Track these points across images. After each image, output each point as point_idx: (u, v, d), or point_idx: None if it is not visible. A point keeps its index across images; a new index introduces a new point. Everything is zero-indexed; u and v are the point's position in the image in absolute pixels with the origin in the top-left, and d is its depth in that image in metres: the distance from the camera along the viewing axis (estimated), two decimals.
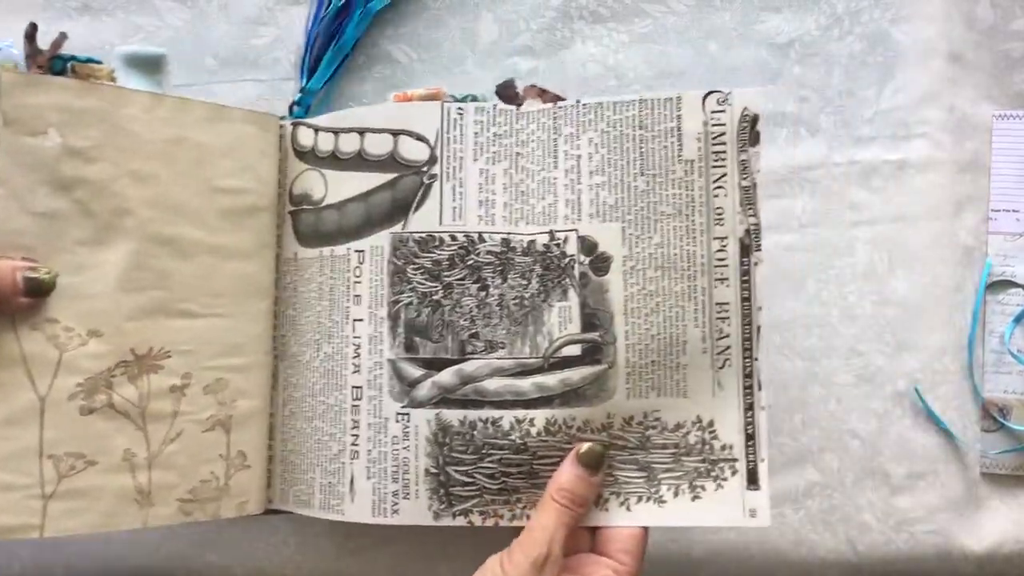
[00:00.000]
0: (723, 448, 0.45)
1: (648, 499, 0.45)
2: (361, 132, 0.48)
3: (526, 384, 0.46)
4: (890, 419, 0.54)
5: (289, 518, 0.50)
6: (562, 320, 0.46)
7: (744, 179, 0.45)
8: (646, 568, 0.51)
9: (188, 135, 0.46)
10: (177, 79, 0.55)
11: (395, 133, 0.48)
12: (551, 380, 0.46)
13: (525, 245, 0.46)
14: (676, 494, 0.45)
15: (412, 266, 0.47)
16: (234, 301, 0.48)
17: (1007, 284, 0.55)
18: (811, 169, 0.55)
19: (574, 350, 0.46)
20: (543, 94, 0.48)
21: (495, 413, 0.46)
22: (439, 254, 0.47)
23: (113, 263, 0.44)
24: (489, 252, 0.47)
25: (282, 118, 0.50)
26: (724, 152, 0.45)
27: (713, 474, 0.45)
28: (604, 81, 0.55)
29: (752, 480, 0.45)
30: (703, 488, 0.45)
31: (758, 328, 0.45)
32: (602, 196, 0.46)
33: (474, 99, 0.48)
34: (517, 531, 0.44)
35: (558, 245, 0.46)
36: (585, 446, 0.44)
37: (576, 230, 0.46)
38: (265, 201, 0.49)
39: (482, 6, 0.56)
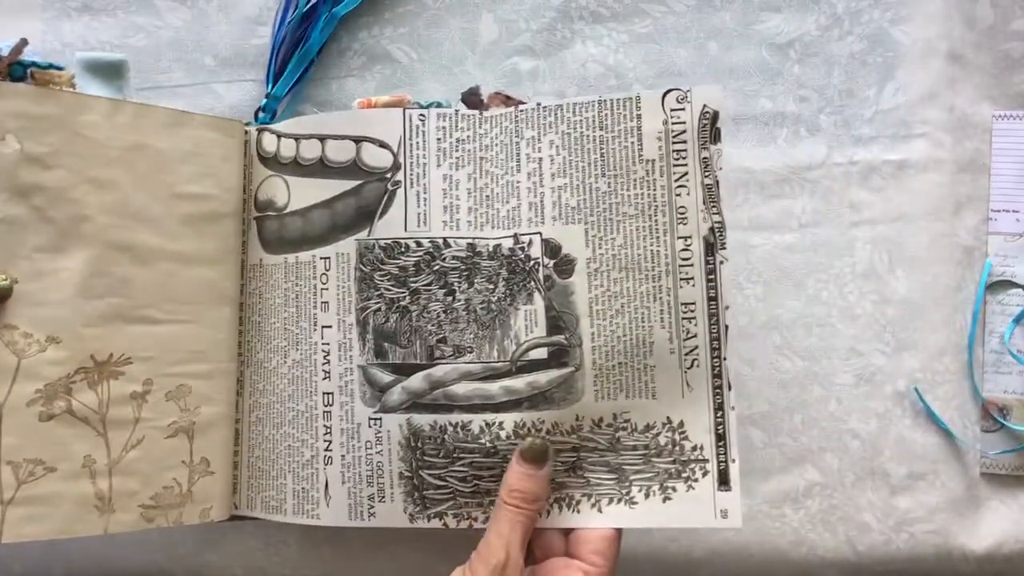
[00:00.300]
0: (693, 449, 0.45)
1: (620, 500, 0.45)
2: (322, 139, 0.48)
3: (494, 388, 0.46)
4: (890, 419, 0.54)
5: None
6: (528, 323, 0.46)
7: (707, 177, 0.45)
8: (647, 568, 0.51)
9: (148, 141, 0.46)
10: (177, 79, 0.55)
11: (357, 140, 0.48)
12: (519, 383, 0.46)
13: (491, 249, 0.46)
14: (647, 495, 0.45)
15: (379, 272, 0.47)
16: (196, 307, 0.48)
17: (1007, 284, 0.55)
18: (811, 169, 0.55)
19: (540, 353, 0.46)
20: (507, 100, 0.48)
21: (465, 417, 0.46)
22: (405, 260, 0.47)
23: (72, 270, 0.44)
24: (455, 257, 0.47)
25: (247, 123, 0.50)
26: (685, 150, 0.45)
27: (684, 475, 0.45)
28: (604, 81, 0.55)
29: (723, 481, 0.44)
30: (674, 489, 0.45)
31: (726, 327, 0.45)
32: (564, 198, 0.46)
33: (439, 106, 0.48)
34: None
35: (522, 248, 0.46)
36: (527, 442, 0.44)
37: (540, 233, 0.46)
38: (228, 207, 0.49)
39: (482, 6, 0.56)
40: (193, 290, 0.48)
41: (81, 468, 0.44)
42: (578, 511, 0.46)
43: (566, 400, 0.45)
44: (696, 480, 0.45)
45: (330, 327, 0.48)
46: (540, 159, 0.46)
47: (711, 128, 0.45)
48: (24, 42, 0.44)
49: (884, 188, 0.54)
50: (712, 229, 0.45)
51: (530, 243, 0.46)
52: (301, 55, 0.54)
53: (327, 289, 0.48)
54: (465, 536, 0.54)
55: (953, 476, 0.54)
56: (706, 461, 0.45)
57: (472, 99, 0.48)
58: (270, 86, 0.53)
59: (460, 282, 0.47)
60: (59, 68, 0.45)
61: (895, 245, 0.54)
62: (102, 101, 0.45)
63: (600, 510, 0.45)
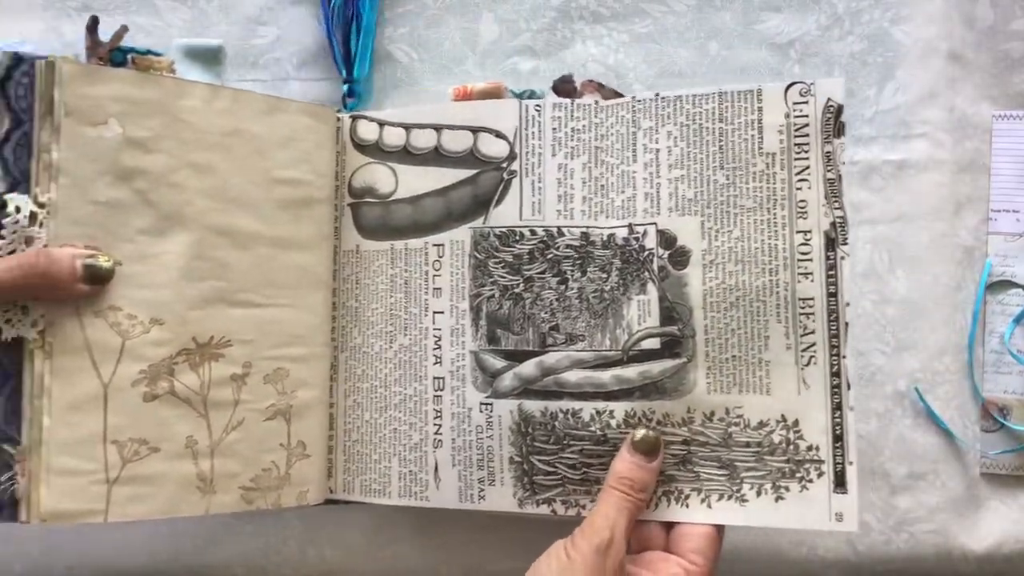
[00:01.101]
0: (809, 448, 0.44)
1: (730, 497, 0.45)
2: (438, 128, 0.49)
3: (606, 376, 0.46)
4: (890, 419, 0.54)
5: (301, 515, 0.51)
6: (641, 313, 0.46)
7: (829, 171, 0.44)
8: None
9: (245, 126, 0.47)
10: None
11: (474, 130, 0.48)
12: (630, 373, 0.46)
13: (604, 238, 0.47)
14: (759, 493, 0.44)
15: (493, 260, 0.48)
16: (293, 292, 0.48)
17: (1007, 284, 0.55)
18: None
19: (653, 343, 0.46)
20: (601, 88, 0.48)
21: (575, 404, 0.46)
22: (520, 248, 0.47)
23: (175, 253, 0.44)
24: (568, 246, 0.47)
25: (338, 110, 0.51)
26: (807, 144, 0.45)
27: (798, 475, 0.44)
28: (605, 81, 0.55)
29: (839, 483, 0.43)
30: (787, 489, 0.44)
31: (846, 324, 0.44)
32: (681, 190, 0.46)
33: (532, 94, 0.49)
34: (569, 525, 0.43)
35: (637, 239, 0.46)
36: (640, 432, 0.44)
37: (655, 224, 0.46)
38: (322, 193, 0.49)
39: (482, 6, 0.56)
40: (290, 275, 0.48)
41: (184, 448, 0.45)
42: (687, 505, 0.45)
43: (678, 391, 0.45)
44: (811, 481, 0.44)
45: (442, 313, 0.49)
46: (657, 150, 0.46)
47: (835, 122, 0.44)
48: (124, 28, 0.45)
49: (884, 188, 0.54)
50: (834, 224, 0.44)
51: (645, 233, 0.46)
52: (364, 34, 0.54)
53: (440, 275, 0.49)
54: (466, 537, 0.54)
55: (953, 476, 0.54)
56: (822, 462, 0.44)
57: (564, 87, 0.49)
58: (344, 72, 0.54)
59: (573, 271, 0.47)
60: (158, 54, 0.46)
61: (895, 245, 0.54)
62: (201, 86, 0.46)
63: (709, 506, 0.45)
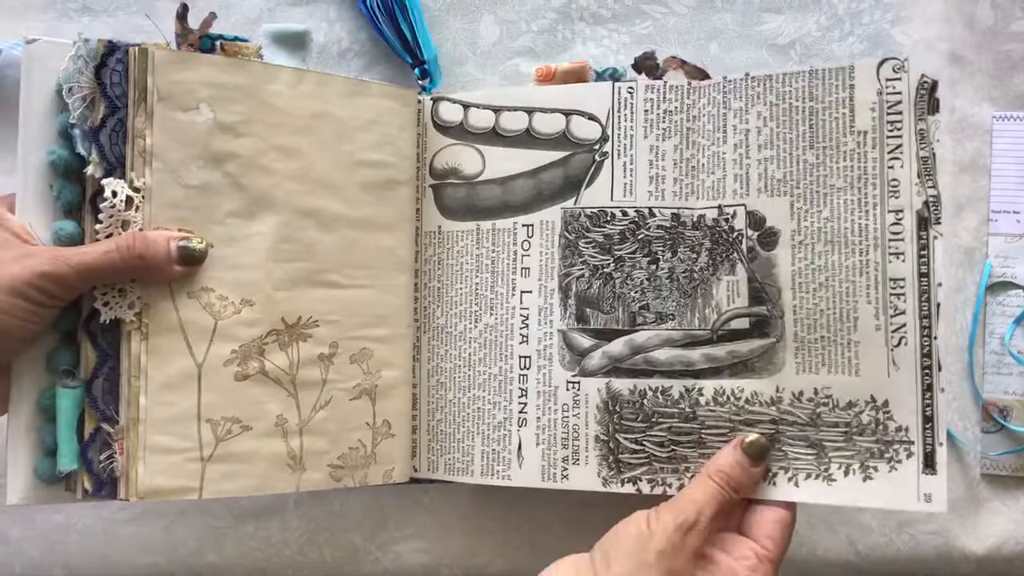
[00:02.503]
0: (898, 430, 0.43)
1: (817, 476, 0.44)
2: (529, 111, 0.49)
3: (695, 355, 0.47)
4: None
5: (301, 515, 0.51)
6: (730, 293, 0.46)
7: (923, 149, 0.44)
8: None
9: (330, 110, 0.47)
10: None
11: (567, 113, 0.49)
12: (720, 351, 0.46)
13: (695, 219, 0.47)
14: (847, 473, 0.44)
15: (584, 240, 0.48)
16: (377, 273, 0.49)
17: (1007, 285, 0.55)
18: None
19: (742, 323, 0.46)
20: (683, 65, 0.48)
21: (665, 382, 0.47)
22: (611, 228, 0.48)
23: (263, 234, 0.46)
24: (659, 227, 0.47)
25: (419, 92, 0.51)
26: (900, 121, 0.44)
27: (887, 455, 0.44)
28: None
29: (928, 464, 0.43)
30: (875, 469, 0.44)
31: (938, 305, 0.43)
32: (770, 170, 0.46)
33: (614, 72, 0.49)
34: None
35: (726, 220, 0.47)
36: (752, 436, 0.45)
37: (744, 205, 0.46)
38: (405, 175, 0.50)
39: (483, 7, 0.56)
40: (373, 256, 0.49)
41: (274, 427, 0.46)
42: (774, 483, 0.45)
43: (767, 371, 0.46)
44: (899, 461, 0.43)
45: (530, 292, 0.49)
46: (747, 130, 0.46)
47: (929, 98, 0.43)
48: (213, 15, 0.46)
49: None
50: (927, 203, 0.43)
51: (734, 214, 0.46)
52: (416, 13, 0.54)
53: (528, 255, 0.49)
54: (467, 537, 0.54)
55: (953, 476, 0.54)
56: (911, 443, 0.43)
57: (647, 63, 0.49)
58: (409, 57, 0.54)
59: (664, 251, 0.47)
60: (244, 40, 0.46)
61: None
62: (287, 71, 0.47)
63: (797, 484, 0.45)
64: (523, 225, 0.49)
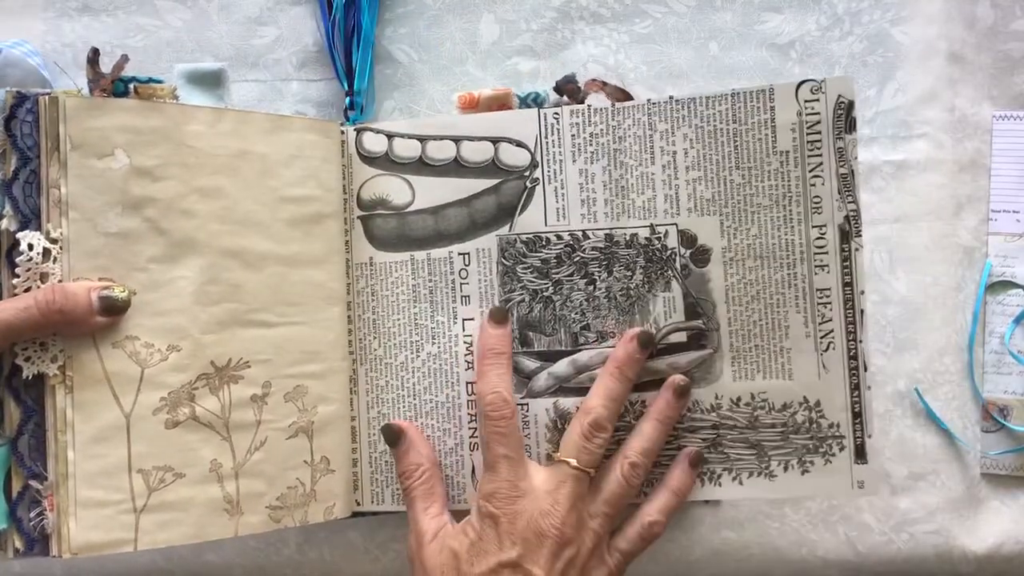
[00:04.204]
0: (830, 426, 0.47)
1: (760, 474, 0.47)
2: (456, 140, 0.49)
3: None
4: (890, 419, 0.54)
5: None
6: (667, 309, 0.48)
7: (842, 166, 0.46)
8: (647, 568, 0.51)
9: (251, 147, 0.47)
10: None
11: (494, 140, 0.49)
12: (660, 364, 0.48)
13: (627, 238, 0.48)
14: (786, 468, 0.47)
15: (521, 266, 0.49)
16: (307, 309, 0.48)
17: (1007, 285, 0.55)
18: None
19: (680, 337, 0.48)
20: (604, 87, 0.49)
21: None
22: (547, 253, 0.49)
23: (187, 278, 0.45)
24: (594, 248, 0.48)
25: (341, 123, 0.51)
26: (820, 141, 0.46)
27: (821, 450, 0.47)
28: (607, 80, 0.55)
29: (860, 455, 0.47)
30: (812, 463, 0.47)
31: (862, 311, 0.46)
32: (699, 190, 0.47)
33: (536, 96, 0.50)
34: None
35: (659, 238, 0.48)
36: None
37: (676, 224, 0.48)
38: (331, 208, 0.49)
39: (482, 6, 0.56)
40: (302, 292, 0.48)
41: (209, 472, 0.45)
42: (719, 484, 0.48)
43: (705, 380, 0.48)
44: (834, 455, 0.47)
45: (472, 319, 0.49)
46: (674, 152, 0.47)
47: (846, 118, 0.46)
48: (125, 58, 0.46)
49: (884, 188, 0.54)
50: (847, 217, 0.46)
51: (666, 233, 0.48)
52: (363, 44, 0.54)
53: (467, 283, 0.49)
54: None
55: (953, 476, 0.54)
56: (843, 437, 0.47)
57: (568, 87, 0.50)
58: (345, 84, 0.54)
59: (600, 271, 0.48)
60: (159, 81, 0.46)
61: (895, 245, 0.54)
62: (204, 110, 0.46)
63: (741, 483, 0.48)
64: (459, 254, 0.49)
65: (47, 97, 0.43)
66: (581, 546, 0.44)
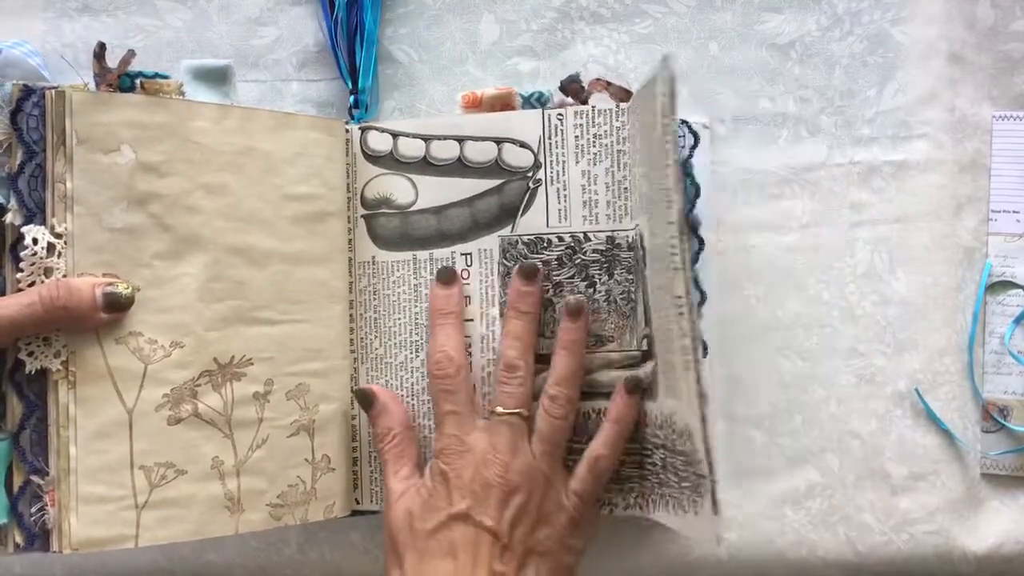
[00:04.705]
0: (699, 462, 0.39)
1: (678, 506, 0.44)
2: (460, 140, 0.49)
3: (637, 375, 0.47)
4: (890, 420, 0.54)
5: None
6: (644, 315, 0.48)
7: (673, 154, 0.39)
8: (647, 568, 0.51)
9: (256, 144, 0.47)
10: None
11: (498, 141, 0.49)
12: (644, 372, 0.48)
13: (629, 240, 0.48)
14: (688, 506, 0.42)
15: None
16: (309, 307, 0.49)
17: (1007, 285, 0.55)
18: (811, 170, 0.55)
19: (644, 344, 0.48)
20: (608, 87, 0.49)
21: (607, 404, 0.47)
22: (548, 255, 0.49)
23: (191, 275, 0.45)
24: (595, 250, 0.48)
25: (346, 122, 0.51)
26: (669, 125, 0.39)
27: (700, 489, 0.40)
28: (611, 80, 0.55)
29: (714, 502, 0.38)
30: (694, 502, 0.41)
31: (694, 323, 0.38)
32: (643, 189, 0.47)
33: (540, 96, 0.50)
34: None
35: (637, 240, 0.47)
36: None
37: (638, 225, 0.47)
38: (334, 206, 0.50)
39: (483, 6, 0.56)
40: (306, 290, 0.49)
41: (210, 469, 0.45)
42: (646, 508, 0.47)
43: (652, 393, 0.47)
44: (702, 496, 0.40)
45: (471, 320, 0.49)
46: (636, 151, 0.47)
47: (671, 100, 0.39)
48: (132, 53, 0.45)
49: (884, 189, 0.54)
50: (679, 211, 0.38)
51: (641, 236, 0.48)
52: (367, 43, 0.54)
53: (468, 284, 0.50)
54: None
55: (953, 476, 0.54)
56: (704, 477, 0.39)
57: (572, 86, 0.49)
58: (349, 82, 0.54)
59: (601, 274, 0.48)
60: (165, 77, 0.46)
61: (896, 246, 0.54)
62: (210, 107, 0.46)
63: (669, 510, 0.45)
64: (461, 254, 0.49)
65: (53, 91, 0.43)
66: (533, 491, 0.44)
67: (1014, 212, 0.55)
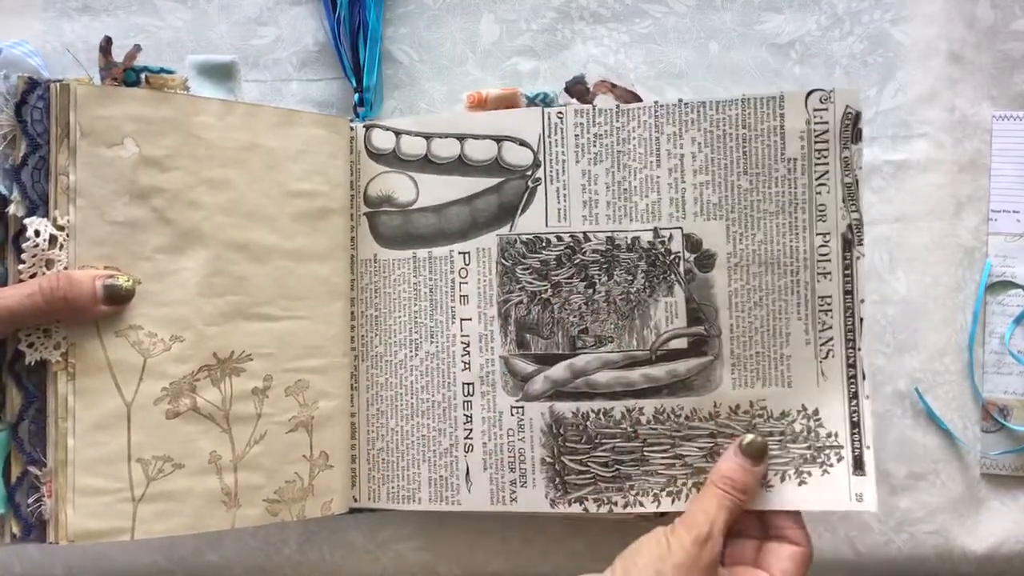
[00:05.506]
0: (828, 436, 0.46)
1: None
2: (460, 138, 0.49)
3: (635, 375, 0.48)
4: (890, 419, 0.54)
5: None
6: (668, 315, 0.48)
7: (847, 175, 0.46)
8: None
9: (260, 141, 0.47)
10: None
11: (498, 139, 0.49)
12: (659, 371, 0.48)
13: (629, 242, 0.48)
14: (783, 479, 0.46)
15: (521, 266, 0.49)
16: (310, 303, 0.48)
17: (1007, 285, 0.55)
18: None
19: (681, 343, 0.48)
20: (613, 88, 0.49)
21: (607, 404, 0.48)
22: (547, 254, 0.48)
23: (192, 269, 0.45)
24: (595, 251, 0.48)
25: (350, 120, 0.51)
26: (827, 149, 0.46)
27: (819, 460, 0.46)
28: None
29: (858, 466, 0.46)
30: (809, 474, 0.46)
31: (860, 320, 0.46)
32: (706, 195, 0.47)
33: (545, 96, 0.49)
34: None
35: (663, 242, 0.48)
36: (748, 437, 0.46)
37: (681, 228, 0.47)
38: (337, 203, 0.50)
39: (483, 6, 0.56)
40: (307, 286, 0.48)
41: (208, 464, 0.45)
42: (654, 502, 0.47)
43: (705, 388, 0.47)
44: (831, 465, 0.46)
45: (470, 320, 0.49)
46: (682, 155, 0.47)
47: (853, 128, 0.46)
48: (137, 48, 0.45)
49: (885, 188, 0.54)
50: (850, 226, 0.46)
51: (671, 237, 0.48)
52: (371, 42, 0.54)
53: (466, 283, 0.49)
54: (466, 536, 0.54)
55: (953, 476, 0.54)
56: (841, 447, 0.46)
57: (576, 88, 0.49)
58: (354, 81, 0.54)
59: (600, 274, 0.48)
60: (170, 72, 0.46)
61: (896, 245, 0.54)
62: (215, 102, 0.46)
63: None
64: (459, 253, 0.49)
65: (58, 84, 0.43)
66: None
67: (1014, 212, 0.55)
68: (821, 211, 0.46)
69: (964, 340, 0.55)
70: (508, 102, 0.50)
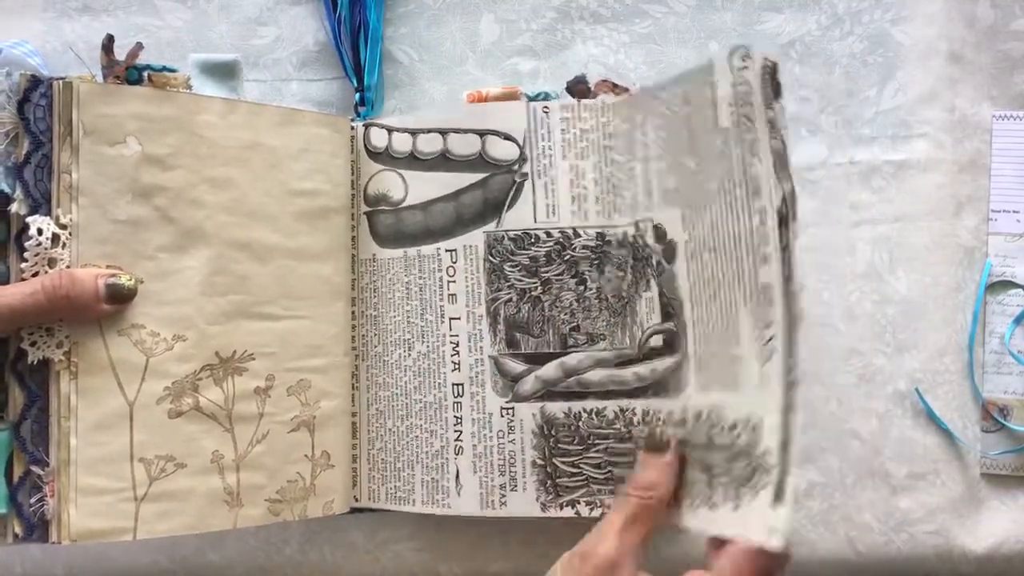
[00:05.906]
0: (763, 454, 0.37)
1: (705, 503, 0.40)
2: (443, 133, 0.49)
3: (627, 374, 0.47)
4: (890, 419, 0.54)
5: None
6: (648, 310, 0.46)
7: (774, 139, 0.38)
8: (646, 568, 0.50)
9: (262, 139, 0.47)
10: None
11: (481, 133, 0.48)
12: (645, 370, 0.47)
13: (619, 237, 0.47)
14: (724, 500, 0.39)
15: (509, 264, 0.48)
16: (312, 303, 0.48)
17: (1007, 285, 0.55)
18: (812, 169, 0.55)
19: (658, 340, 0.46)
20: (615, 88, 0.49)
21: (600, 404, 0.47)
22: (536, 251, 0.48)
23: (195, 268, 0.45)
24: (585, 247, 0.47)
25: (351, 119, 0.51)
26: (752, 113, 0.39)
27: (752, 482, 0.38)
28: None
29: (778, 495, 0.36)
30: (741, 497, 0.38)
31: (799, 314, 0.37)
32: (665, 181, 0.45)
33: (546, 96, 0.49)
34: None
35: (641, 235, 0.47)
36: (645, 429, 0.45)
37: (651, 218, 0.46)
38: (338, 203, 0.50)
39: (483, 6, 0.56)
40: (308, 286, 0.48)
41: (210, 463, 0.45)
42: (678, 510, 0.42)
43: (676, 389, 0.45)
44: (761, 488, 0.37)
45: (458, 319, 0.49)
46: (647, 144, 0.46)
47: (772, 82, 0.38)
48: (140, 46, 0.45)
49: (885, 188, 0.54)
50: (784, 199, 0.38)
51: (646, 229, 0.46)
52: (372, 40, 0.54)
53: (454, 281, 0.49)
54: (465, 536, 0.54)
55: (953, 476, 0.54)
56: (769, 469, 0.37)
57: (578, 87, 0.49)
58: (355, 80, 0.54)
59: (591, 271, 0.48)
60: (172, 70, 0.46)
61: (896, 245, 0.54)
62: (217, 101, 0.46)
63: (694, 511, 0.41)
64: (446, 250, 0.49)
65: (61, 82, 0.43)
66: None
67: (1014, 212, 0.55)
68: (755, 185, 0.39)
69: (964, 340, 0.55)
70: (509, 100, 0.50)
